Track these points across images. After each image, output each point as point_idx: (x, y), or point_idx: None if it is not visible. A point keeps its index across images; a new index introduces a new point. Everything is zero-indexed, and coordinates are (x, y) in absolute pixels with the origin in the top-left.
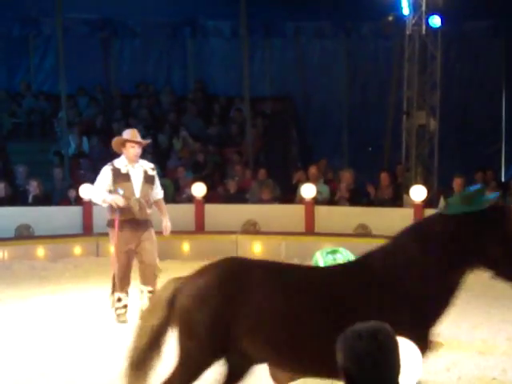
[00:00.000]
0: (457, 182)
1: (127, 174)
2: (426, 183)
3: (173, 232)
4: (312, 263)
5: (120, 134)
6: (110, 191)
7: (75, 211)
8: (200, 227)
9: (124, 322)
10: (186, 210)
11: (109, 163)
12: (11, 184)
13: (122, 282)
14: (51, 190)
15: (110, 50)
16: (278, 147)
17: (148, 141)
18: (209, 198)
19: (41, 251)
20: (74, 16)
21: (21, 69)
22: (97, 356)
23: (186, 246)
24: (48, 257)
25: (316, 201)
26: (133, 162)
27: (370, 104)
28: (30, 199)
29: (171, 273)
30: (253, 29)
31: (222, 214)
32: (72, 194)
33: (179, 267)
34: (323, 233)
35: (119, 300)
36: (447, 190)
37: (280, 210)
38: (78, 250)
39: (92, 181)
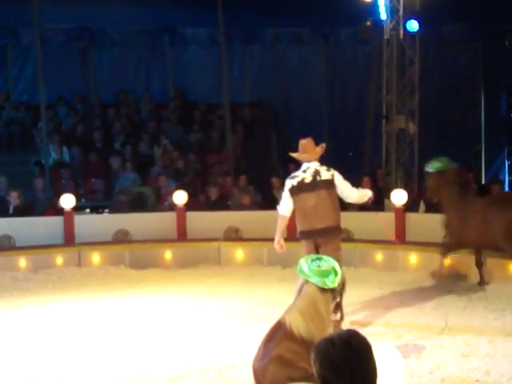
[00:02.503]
0: None
1: None
2: (406, 187)
3: (155, 240)
4: (296, 269)
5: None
6: None
7: (56, 221)
8: (182, 235)
9: None
10: (167, 218)
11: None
12: None
13: None
14: (33, 201)
15: (88, 58)
16: (258, 153)
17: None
18: (190, 206)
19: (22, 262)
20: (52, 25)
21: None
22: (83, 365)
23: (168, 254)
24: (29, 268)
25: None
26: None
27: (349, 108)
28: (11, 210)
29: (154, 281)
30: (231, 36)
31: (203, 221)
32: (59, 203)
33: (162, 275)
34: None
35: None
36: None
37: (261, 216)
38: (59, 260)
39: (72, 190)
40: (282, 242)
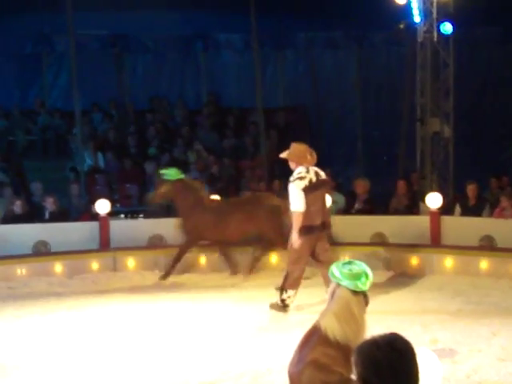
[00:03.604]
0: (470, 189)
1: None
2: (441, 190)
3: None
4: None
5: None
6: None
7: (92, 226)
8: None
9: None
10: None
11: None
12: (28, 201)
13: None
14: (68, 206)
15: (123, 65)
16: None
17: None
18: None
19: (58, 267)
20: (87, 32)
21: (34, 86)
22: (118, 370)
23: (202, 259)
24: (65, 273)
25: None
26: None
27: (383, 112)
28: (47, 216)
29: (188, 286)
30: (264, 40)
31: None
32: (94, 209)
33: (196, 280)
34: (340, 242)
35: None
36: (463, 196)
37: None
38: (95, 265)
39: (107, 196)
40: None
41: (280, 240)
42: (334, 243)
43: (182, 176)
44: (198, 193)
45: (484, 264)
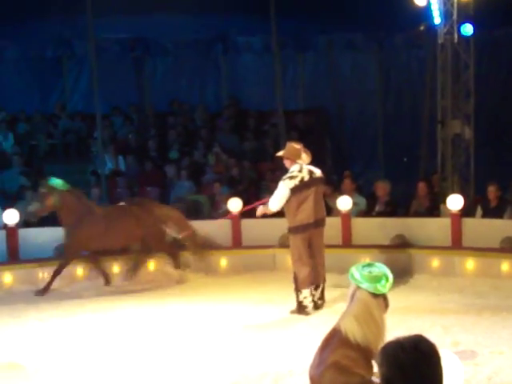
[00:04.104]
0: (491, 190)
1: None
2: (462, 192)
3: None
4: (349, 277)
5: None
6: None
7: None
8: (237, 242)
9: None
10: (222, 226)
11: None
12: None
13: None
14: None
15: (143, 68)
16: (312, 160)
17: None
18: (245, 213)
19: (80, 270)
20: (107, 36)
21: (55, 90)
22: (139, 373)
23: (223, 261)
24: (87, 276)
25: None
26: None
27: (403, 114)
28: None
29: (209, 288)
30: (284, 43)
31: (258, 228)
32: None
33: (217, 282)
34: (360, 245)
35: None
36: (484, 198)
37: None
38: (116, 268)
39: (128, 199)
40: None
41: (161, 247)
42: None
43: (68, 186)
44: (86, 202)
45: (505, 266)
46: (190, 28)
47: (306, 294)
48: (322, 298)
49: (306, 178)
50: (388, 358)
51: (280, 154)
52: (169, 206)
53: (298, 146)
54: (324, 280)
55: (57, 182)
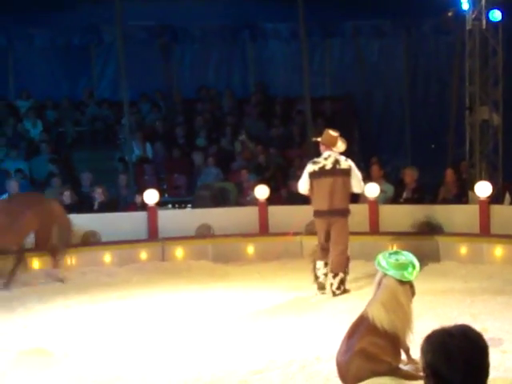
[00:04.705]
0: None
1: None
2: (490, 179)
3: (237, 234)
4: (375, 264)
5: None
6: None
7: (140, 217)
8: (264, 229)
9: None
10: (249, 213)
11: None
12: (77, 191)
13: None
14: (117, 197)
15: (170, 55)
16: None
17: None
18: (272, 200)
19: (107, 257)
20: (134, 23)
21: (83, 77)
22: (168, 359)
23: (250, 248)
24: (114, 262)
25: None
26: None
27: (431, 101)
28: (96, 206)
29: (236, 275)
30: (311, 29)
31: (285, 215)
32: (138, 199)
33: (244, 269)
34: (388, 232)
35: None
36: None
37: None
38: (143, 255)
39: (156, 186)
40: None
41: (45, 244)
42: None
43: None
44: None
45: None
46: (217, 15)
47: (318, 265)
48: (339, 287)
49: (328, 166)
50: (434, 344)
51: (317, 139)
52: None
53: (334, 133)
54: (345, 271)
55: None
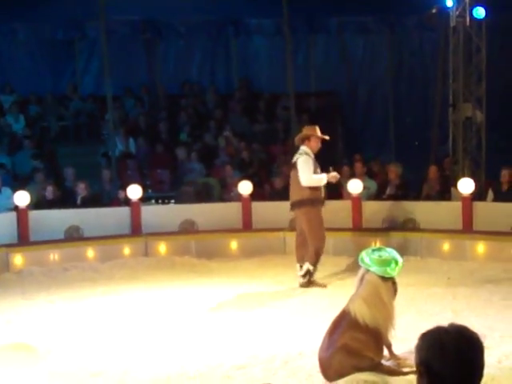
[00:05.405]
0: (504, 174)
1: (315, 162)
2: (473, 176)
3: (220, 230)
4: (359, 260)
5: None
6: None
7: (124, 212)
8: (247, 225)
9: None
10: (233, 208)
11: (305, 154)
12: (60, 186)
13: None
14: (100, 192)
15: (154, 50)
16: (323, 143)
17: (327, 137)
18: (255, 196)
19: (90, 252)
20: (118, 18)
21: (67, 72)
22: (151, 354)
23: (233, 244)
24: (97, 258)
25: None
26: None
27: (415, 97)
28: (79, 201)
29: (219, 271)
30: (296, 25)
31: (269, 211)
32: (121, 194)
33: (227, 265)
34: (371, 228)
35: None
36: (495, 182)
37: (328, 206)
38: (127, 250)
39: (139, 181)
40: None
41: None
42: None
43: None
44: None
45: None
46: (201, 10)
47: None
48: (304, 276)
49: (293, 161)
50: (429, 340)
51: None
52: None
53: (307, 130)
54: (312, 263)
55: None
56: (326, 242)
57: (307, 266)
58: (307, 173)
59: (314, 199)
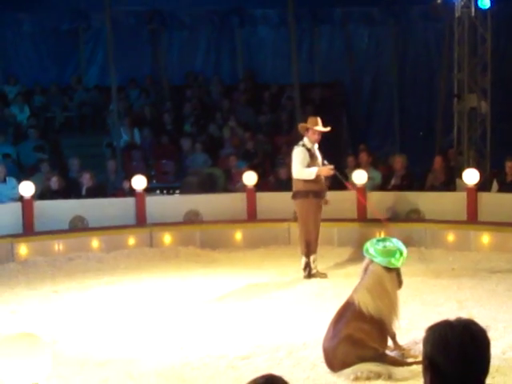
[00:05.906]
0: (509, 165)
1: (314, 153)
2: (478, 166)
3: (225, 221)
4: (363, 251)
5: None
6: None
7: (128, 202)
8: (252, 216)
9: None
10: (237, 199)
11: (301, 146)
12: (64, 177)
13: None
14: (105, 182)
15: (159, 41)
16: (328, 134)
17: (328, 129)
18: (260, 187)
19: (95, 243)
20: (123, 8)
21: (71, 62)
22: (155, 344)
23: (238, 235)
24: (102, 248)
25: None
26: (314, 144)
27: (420, 88)
28: (83, 191)
29: (224, 261)
30: (300, 16)
31: (273, 201)
32: (126, 185)
33: (232, 256)
34: (375, 219)
35: (314, 261)
36: (500, 172)
37: (334, 196)
38: (131, 240)
39: (144, 172)
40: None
41: None
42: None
43: None
44: None
45: None
46: (206, 0)
47: None
48: (304, 269)
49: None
50: (434, 335)
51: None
52: None
53: (306, 123)
54: (306, 255)
55: None
56: (318, 235)
57: (303, 258)
58: (297, 165)
59: (308, 191)
